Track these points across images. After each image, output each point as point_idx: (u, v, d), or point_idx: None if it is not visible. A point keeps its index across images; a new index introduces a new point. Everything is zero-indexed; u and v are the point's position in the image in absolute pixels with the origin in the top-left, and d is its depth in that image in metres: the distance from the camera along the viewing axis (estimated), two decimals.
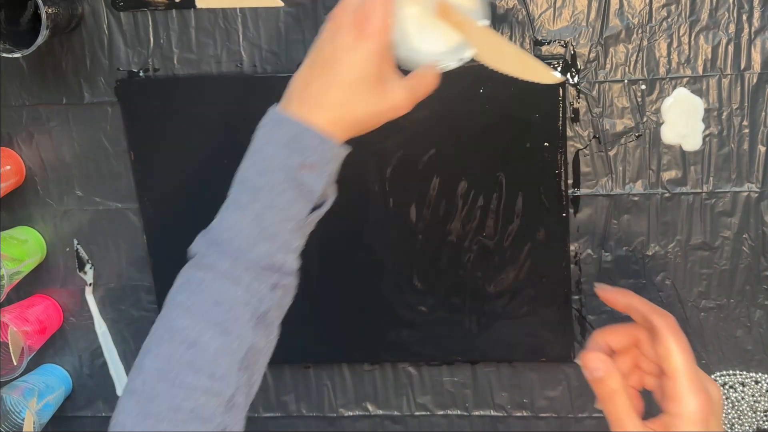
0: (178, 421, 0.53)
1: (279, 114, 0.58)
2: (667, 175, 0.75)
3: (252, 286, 0.55)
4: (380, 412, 0.86)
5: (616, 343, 0.58)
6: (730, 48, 0.71)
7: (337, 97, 0.57)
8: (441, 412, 0.85)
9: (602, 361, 0.55)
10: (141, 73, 0.78)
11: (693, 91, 0.72)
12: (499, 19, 0.73)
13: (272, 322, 0.58)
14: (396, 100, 0.59)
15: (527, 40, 0.73)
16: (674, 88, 0.72)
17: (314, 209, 0.59)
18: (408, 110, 0.60)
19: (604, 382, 0.55)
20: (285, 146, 0.56)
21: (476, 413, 0.84)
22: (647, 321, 0.55)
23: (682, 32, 0.71)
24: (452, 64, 0.61)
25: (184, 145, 0.79)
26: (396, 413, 0.86)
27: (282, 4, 0.75)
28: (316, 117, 0.57)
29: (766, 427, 0.79)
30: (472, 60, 0.61)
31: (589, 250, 0.78)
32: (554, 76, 0.63)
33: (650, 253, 0.77)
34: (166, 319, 0.55)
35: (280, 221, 0.56)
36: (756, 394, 0.79)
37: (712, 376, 0.80)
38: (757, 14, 0.70)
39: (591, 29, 0.72)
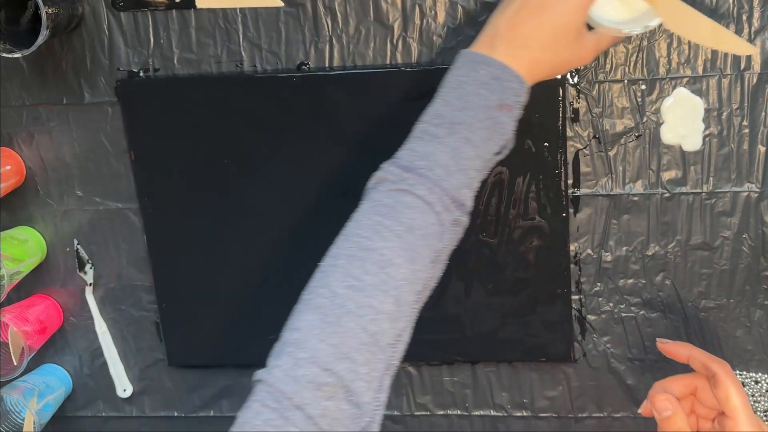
0: (360, 344, 0.52)
1: (479, 54, 0.60)
2: (667, 175, 0.75)
3: (441, 216, 0.56)
4: None
5: (676, 391, 0.64)
6: None
7: (546, 39, 0.60)
8: (441, 412, 0.85)
9: (671, 402, 0.62)
10: (141, 73, 0.78)
11: (693, 91, 0.72)
12: None
13: (443, 261, 0.58)
14: (585, 51, 0.63)
15: None
16: (674, 88, 0.72)
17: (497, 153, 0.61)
18: (589, 62, 0.65)
19: (672, 421, 0.61)
20: (485, 85, 0.59)
21: (476, 413, 0.84)
22: (707, 368, 0.62)
23: None
24: (637, 30, 0.64)
25: (185, 145, 0.79)
26: (396, 413, 0.86)
27: (282, 4, 0.75)
28: (519, 58, 0.60)
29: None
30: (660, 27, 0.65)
31: (589, 250, 0.78)
32: (747, 47, 0.65)
33: (650, 253, 0.77)
34: (357, 238, 0.56)
35: (473, 157, 0.58)
36: (756, 394, 0.79)
37: None
38: (757, 14, 0.70)
39: None
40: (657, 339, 0.67)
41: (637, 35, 0.65)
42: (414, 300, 0.55)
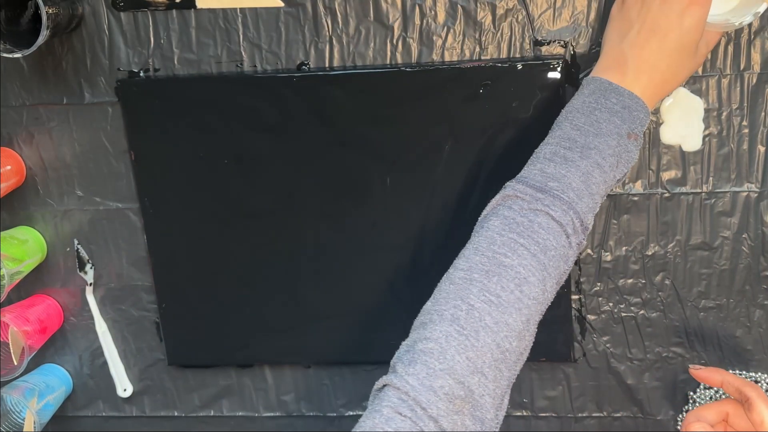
0: (492, 359, 0.53)
1: (608, 83, 0.61)
2: (666, 175, 0.75)
3: (571, 238, 0.57)
4: None
5: (709, 419, 0.65)
6: (730, 48, 0.71)
7: (672, 61, 0.61)
8: None
9: (705, 429, 0.64)
10: (141, 73, 0.79)
11: (693, 91, 0.72)
12: (499, 20, 0.73)
13: (562, 283, 0.59)
14: (699, 59, 0.64)
15: (527, 41, 0.73)
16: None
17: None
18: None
19: None
20: (617, 114, 0.60)
21: None
22: (740, 393, 0.64)
23: None
24: (747, 19, 0.65)
25: (185, 145, 0.79)
26: None
27: (282, 4, 0.75)
28: (647, 85, 0.61)
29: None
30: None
31: (589, 250, 0.78)
32: None
33: (650, 253, 0.77)
34: (492, 253, 0.56)
35: (601, 182, 0.59)
36: None
37: None
38: None
39: (591, 29, 0.72)
40: (689, 366, 0.70)
41: (746, 23, 0.65)
42: (538, 320, 0.57)
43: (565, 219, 0.57)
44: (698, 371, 0.69)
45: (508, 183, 0.61)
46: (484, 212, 0.61)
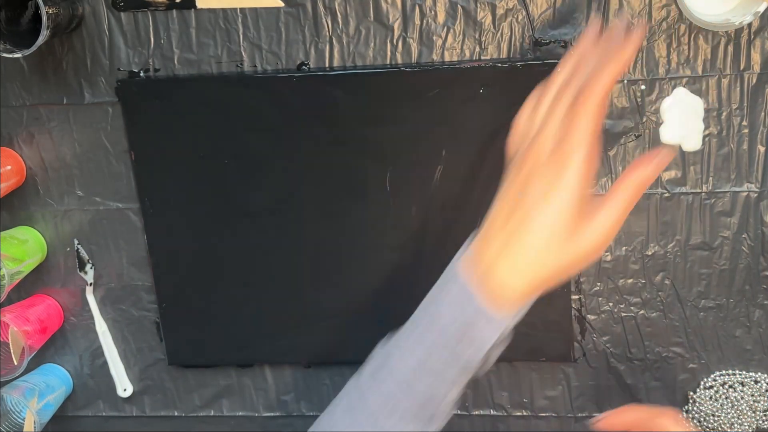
0: None
1: (460, 277, 0.56)
2: (666, 175, 0.75)
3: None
4: None
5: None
6: (730, 48, 0.71)
7: (530, 262, 0.52)
8: None
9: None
10: (141, 74, 0.79)
11: (692, 91, 0.72)
12: (498, 20, 0.73)
13: None
14: (591, 243, 0.52)
15: (527, 41, 0.73)
16: (674, 88, 0.73)
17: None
18: (605, 248, 0.54)
19: None
20: (451, 309, 0.56)
21: (476, 413, 0.84)
22: (653, 426, 0.54)
23: (681, 32, 0.71)
24: (747, 18, 0.65)
25: (185, 145, 0.79)
26: None
27: (282, 4, 0.75)
28: (501, 288, 0.54)
29: (765, 426, 0.79)
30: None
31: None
32: None
33: (650, 253, 0.77)
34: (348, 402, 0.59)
35: (443, 367, 0.56)
36: (755, 394, 0.79)
37: (711, 376, 0.80)
38: None
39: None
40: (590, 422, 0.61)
41: (746, 23, 0.65)
42: None
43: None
44: (598, 421, 0.57)
45: (380, 343, 0.61)
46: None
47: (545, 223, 0.51)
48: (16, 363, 0.83)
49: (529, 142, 0.55)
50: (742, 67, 0.71)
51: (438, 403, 0.57)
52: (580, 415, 0.83)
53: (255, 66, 0.77)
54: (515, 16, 0.73)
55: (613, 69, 0.51)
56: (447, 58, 0.75)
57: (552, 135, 0.53)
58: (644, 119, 0.74)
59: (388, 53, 0.75)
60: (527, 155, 0.54)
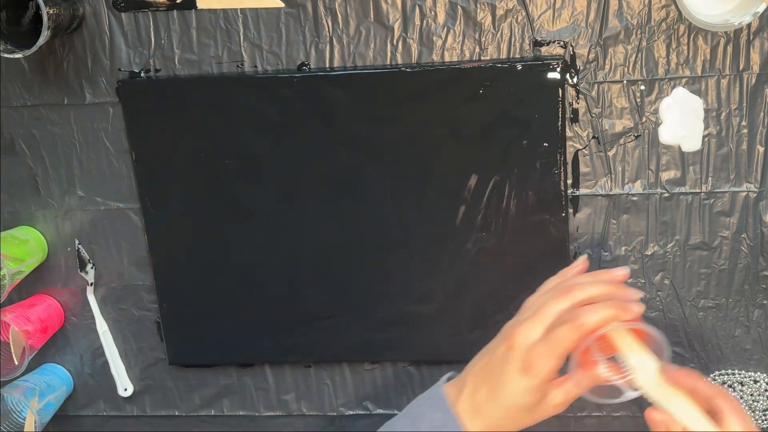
0: None
1: (443, 400, 0.61)
2: (666, 175, 0.75)
3: None
4: (380, 411, 0.86)
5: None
6: (729, 48, 0.71)
7: (496, 413, 0.59)
8: None
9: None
10: (142, 74, 0.79)
11: (692, 92, 0.73)
12: (498, 20, 0.73)
13: None
14: (550, 408, 0.59)
15: (527, 41, 0.73)
16: (673, 88, 0.73)
17: None
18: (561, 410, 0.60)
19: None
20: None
21: None
22: (711, 403, 0.56)
23: (681, 33, 0.71)
24: (746, 18, 0.65)
25: (185, 146, 0.79)
26: (396, 413, 0.86)
27: (282, 4, 0.75)
28: (473, 422, 0.59)
29: (765, 426, 0.80)
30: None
31: (589, 250, 0.78)
32: None
33: (649, 253, 0.77)
34: None
35: None
36: (755, 393, 0.79)
37: (711, 376, 0.80)
38: None
39: (590, 30, 0.72)
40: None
41: (746, 23, 0.65)
42: None
43: None
44: (668, 373, 0.57)
45: None
46: None
47: (516, 393, 0.58)
48: (16, 363, 0.83)
49: (525, 317, 0.60)
50: (741, 68, 0.72)
51: None
52: (579, 414, 0.83)
53: (255, 66, 0.77)
54: (515, 17, 0.73)
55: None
56: (447, 59, 0.75)
57: (542, 326, 0.58)
58: (644, 119, 0.74)
59: (388, 54, 0.75)
60: (517, 329, 0.59)
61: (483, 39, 0.74)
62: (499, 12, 0.73)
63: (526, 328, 0.58)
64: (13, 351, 0.83)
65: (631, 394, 0.57)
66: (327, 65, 0.76)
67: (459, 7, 0.73)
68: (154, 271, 0.83)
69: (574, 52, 0.73)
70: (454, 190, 0.76)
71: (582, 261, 0.65)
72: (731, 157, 0.74)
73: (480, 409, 0.59)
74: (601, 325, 0.56)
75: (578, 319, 0.56)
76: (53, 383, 0.87)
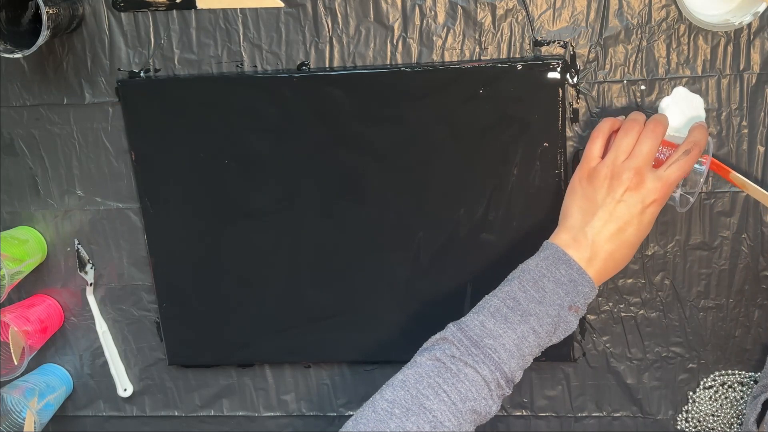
0: None
1: (563, 253, 0.65)
2: None
3: (493, 392, 0.62)
4: None
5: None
6: (729, 48, 0.71)
7: (625, 255, 0.66)
8: None
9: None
10: (142, 74, 0.79)
11: (692, 92, 0.72)
12: (498, 20, 0.73)
13: (482, 422, 0.64)
14: (666, 186, 0.66)
15: (527, 41, 0.73)
16: (673, 88, 0.73)
17: None
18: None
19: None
20: (563, 286, 0.65)
21: None
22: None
23: (681, 32, 0.71)
24: (747, 18, 0.65)
25: (185, 145, 0.79)
26: None
27: (282, 4, 0.75)
28: (597, 267, 0.65)
29: (764, 428, 0.79)
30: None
31: None
32: None
33: (649, 253, 0.77)
34: (416, 392, 0.62)
35: (534, 345, 0.64)
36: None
37: (711, 376, 0.80)
38: None
39: (590, 30, 0.72)
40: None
41: (746, 23, 0.66)
42: None
43: (491, 377, 0.62)
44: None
45: (450, 324, 0.66)
46: (425, 345, 0.66)
47: (644, 226, 0.66)
48: (16, 363, 0.83)
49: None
50: (741, 68, 0.71)
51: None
52: (579, 414, 0.83)
53: (255, 66, 0.77)
54: (515, 17, 0.73)
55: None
56: (447, 59, 0.75)
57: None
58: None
59: (388, 53, 0.75)
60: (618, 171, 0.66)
61: (483, 39, 0.74)
62: (499, 12, 0.73)
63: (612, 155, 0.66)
64: (12, 351, 0.83)
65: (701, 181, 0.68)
66: (327, 65, 0.76)
67: (459, 6, 0.73)
68: (154, 271, 0.83)
69: (574, 51, 0.73)
70: (454, 190, 0.76)
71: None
72: (732, 157, 0.73)
73: (612, 256, 0.65)
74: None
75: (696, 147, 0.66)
76: (53, 383, 0.87)
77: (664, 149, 0.68)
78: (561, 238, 0.67)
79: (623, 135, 0.67)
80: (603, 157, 0.68)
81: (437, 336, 0.66)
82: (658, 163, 0.67)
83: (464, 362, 0.62)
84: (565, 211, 0.69)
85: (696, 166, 0.68)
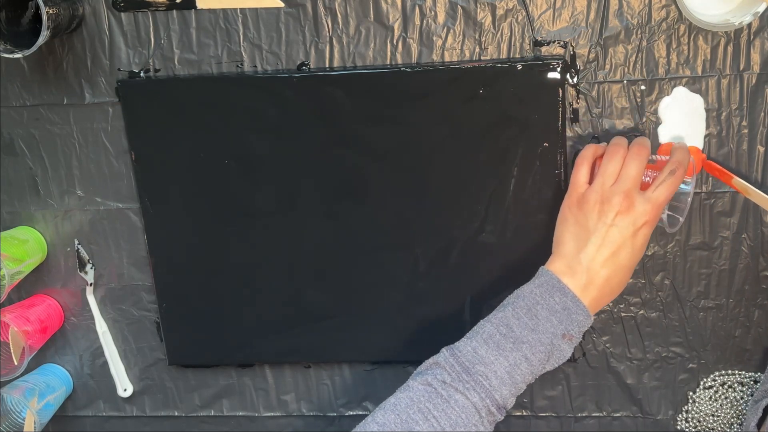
0: None
1: (558, 281, 0.66)
2: None
3: (484, 419, 0.63)
4: None
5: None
6: (729, 48, 0.71)
7: (620, 280, 0.67)
8: None
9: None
10: (142, 74, 0.79)
11: (692, 92, 0.72)
12: (498, 20, 0.73)
13: None
14: (654, 209, 0.66)
15: (527, 41, 0.73)
16: (673, 88, 0.73)
17: None
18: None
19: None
20: (556, 314, 0.65)
21: None
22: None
23: (681, 32, 0.71)
24: (747, 18, 0.65)
25: (185, 146, 0.79)
26: None
27: (282, 4, 0.75)
28: (592, 294, 0.66)
29: (765, 429, 0.79)
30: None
31: None
32: None
33: (650, 253, 0.77)
34: (406, 416, 0.62)
35: (527, 373, 0.64)
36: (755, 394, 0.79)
37: (711, 376, 0.80)
38: None
39: (590, 30, 0.72)
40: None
41: (746, 23, 0.66)
42: None
43: (481, 404, 0.62)
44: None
45: (444, 349, 0.66)
46: (419, 368, 0.66)
47: (637, 249, 0.67)
48: (16, 363, 0.83)
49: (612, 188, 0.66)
50: (741, 68, 0.71)
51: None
52: (579, 415, 0.83)
53: (255, 66, 0.77)
54: (515, 17, 0.73)
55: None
56: (447, 59, 0.75)
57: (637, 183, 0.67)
58: (644, 119, 0.74)
59: (388, 53, 0.75)
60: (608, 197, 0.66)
61: (483, 39, 0.74)
62: (499, 12, 0.73)
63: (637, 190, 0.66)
64: (12, 351, 0.83)
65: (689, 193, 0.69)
66: (327, 65, 0.76)
67: (459, 6, 0.73)
68: (154, 271, 0.83)
69: (574, 52, 0.73)
70: (454, 190, 0.76)
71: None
72: (732, 157, 0.73)
73: (608, 283, 0.65)
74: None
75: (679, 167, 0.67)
76: (53, 383, 0.87)
77: (648, 172, 0.68)
78: (556, 265, 0.67)
79: (608, 160, 0.67)
80: (590, 183, 0.68)
81: (430, 360, 0.66)
82: (644, 186, 0.67)
83: (455, 388, 0.63)
84: (558, 238, 0.69)
85: (682, 186, 0.68)
